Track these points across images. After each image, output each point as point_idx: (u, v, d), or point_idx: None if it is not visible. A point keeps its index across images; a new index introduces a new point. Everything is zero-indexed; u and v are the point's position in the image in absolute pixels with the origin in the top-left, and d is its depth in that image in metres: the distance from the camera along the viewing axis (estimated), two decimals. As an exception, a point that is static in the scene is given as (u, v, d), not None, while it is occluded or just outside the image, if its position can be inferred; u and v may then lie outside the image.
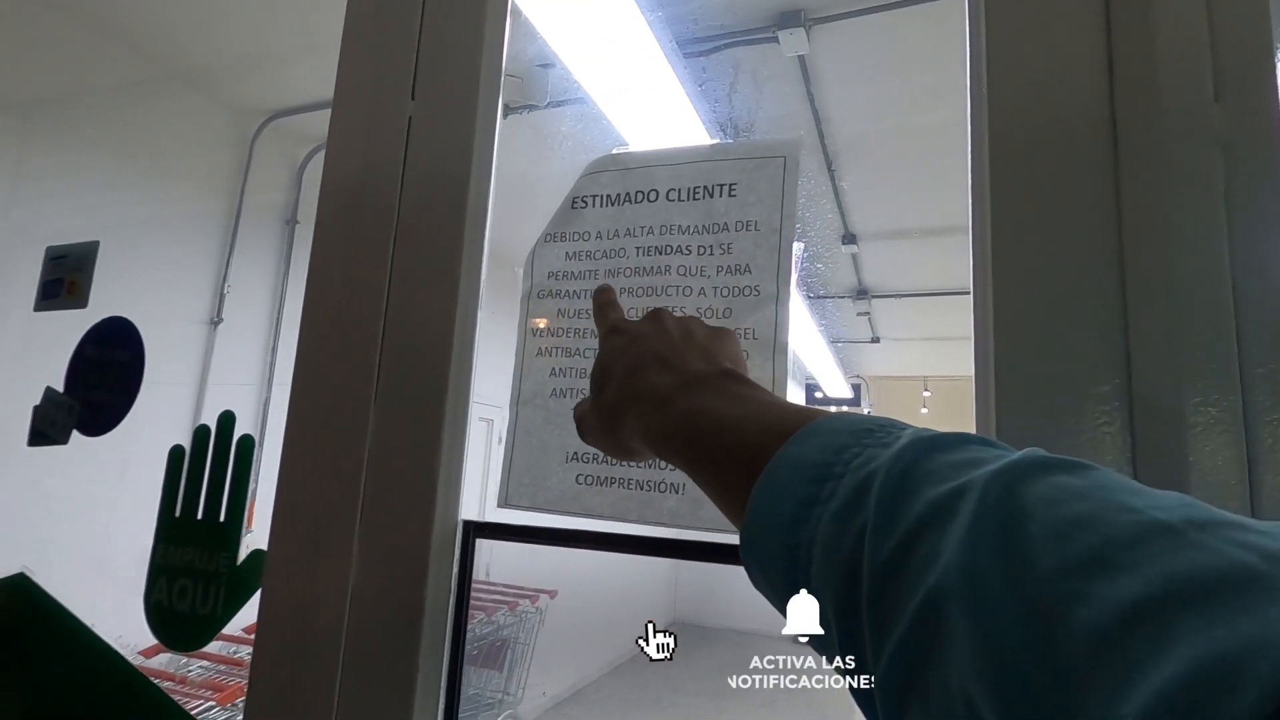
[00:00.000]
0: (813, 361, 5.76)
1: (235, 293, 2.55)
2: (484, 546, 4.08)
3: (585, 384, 0.57)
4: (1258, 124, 0.39)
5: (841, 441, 0.27)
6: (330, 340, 0.64)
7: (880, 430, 0.27)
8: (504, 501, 0.58)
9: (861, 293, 4.33)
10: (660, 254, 0.56)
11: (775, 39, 1.98)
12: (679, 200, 0.56)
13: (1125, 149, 0.41)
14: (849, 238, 3.43)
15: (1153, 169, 0.40)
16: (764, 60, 2.11)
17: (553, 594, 3.50)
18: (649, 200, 0.57)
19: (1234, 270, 0.38)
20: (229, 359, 2.51)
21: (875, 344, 5.53)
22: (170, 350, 2.33)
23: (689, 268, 0.55)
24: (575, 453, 0.56)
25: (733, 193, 0.55)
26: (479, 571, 3.90)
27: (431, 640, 0.56)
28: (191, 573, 0.68)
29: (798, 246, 0.53)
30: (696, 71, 2.10)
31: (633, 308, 0.56)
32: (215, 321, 2.51)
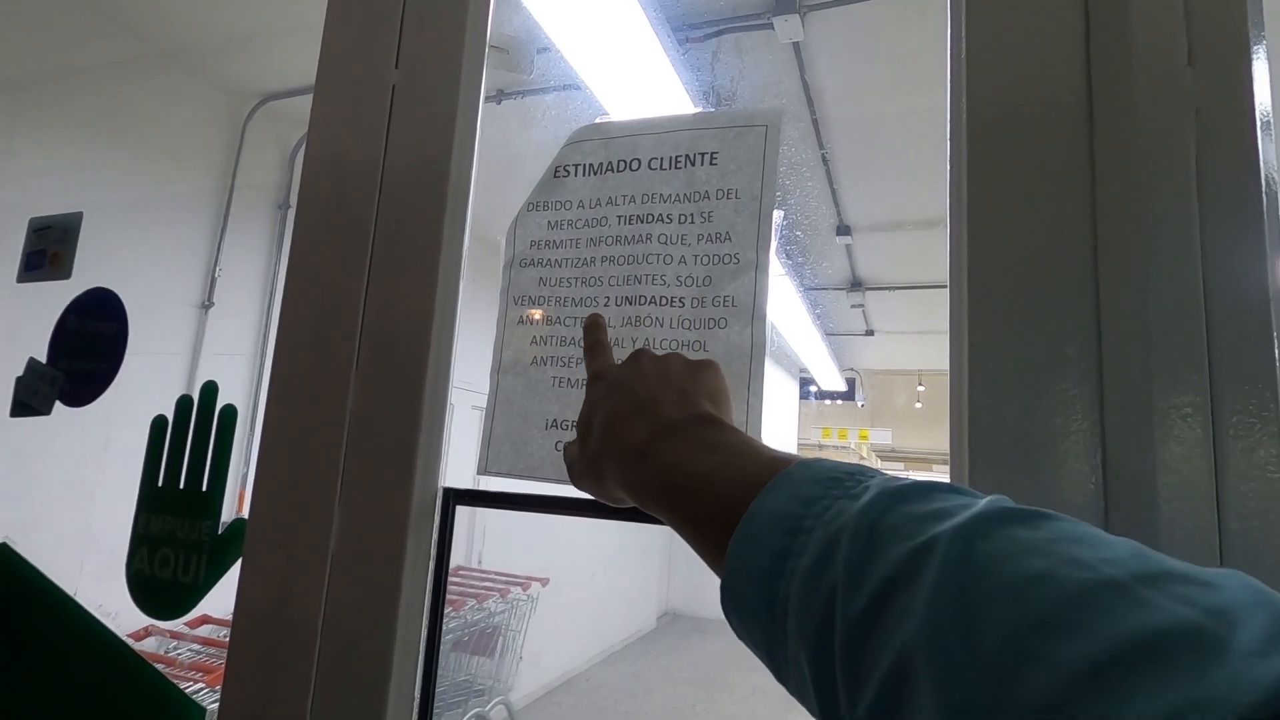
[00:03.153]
0: (806, 354, 5.78)
1: (227, 276, 2.54)
2: (476, 534, 4.08)
3: (565, 352, 0.57)
4: (1230, 88, 0.39)
5: (811, 492, 0.28)
6: (312, 308, 0.63)
7: (849, 479, 0.28)
8: (484, 469, 0.58)
9: (855, 285, 4.33)
10: (642, 222, 0.56)
11: (770, 25, 1.97)
12: (661, 169, 0.56)
13: (1100, 115, 0.41)
14: (843, 229, 3.43)
15: (1126, 135, 0.40)
16: (759, 47, 2.10)
17: (544, 582, 3.51)
18: (631, 169, 0.57)
19: (1204, 240, 0.38)
20: (221, 343, 2.50)
21: (869, 337, 5.55)
22: (162, 333, 2.32)
23: (670, 236, 0.55)
24: (554, 419, 0.56)
25: (714, 161, 0.55)
26: (471, 559, 3.90)
27: (410, 606, 0.56)
28: (173, 542, 0.68)
29: (777, 214, 0.53)
30: (692, 57, 2.09)
31: (614, 276, 0.57)
32: (206, 305, 2.50)
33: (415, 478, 0.57)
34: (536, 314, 0.59)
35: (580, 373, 0.56)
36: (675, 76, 1.90)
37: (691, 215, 0.55)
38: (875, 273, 4.26)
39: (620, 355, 0.55)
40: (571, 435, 0.55)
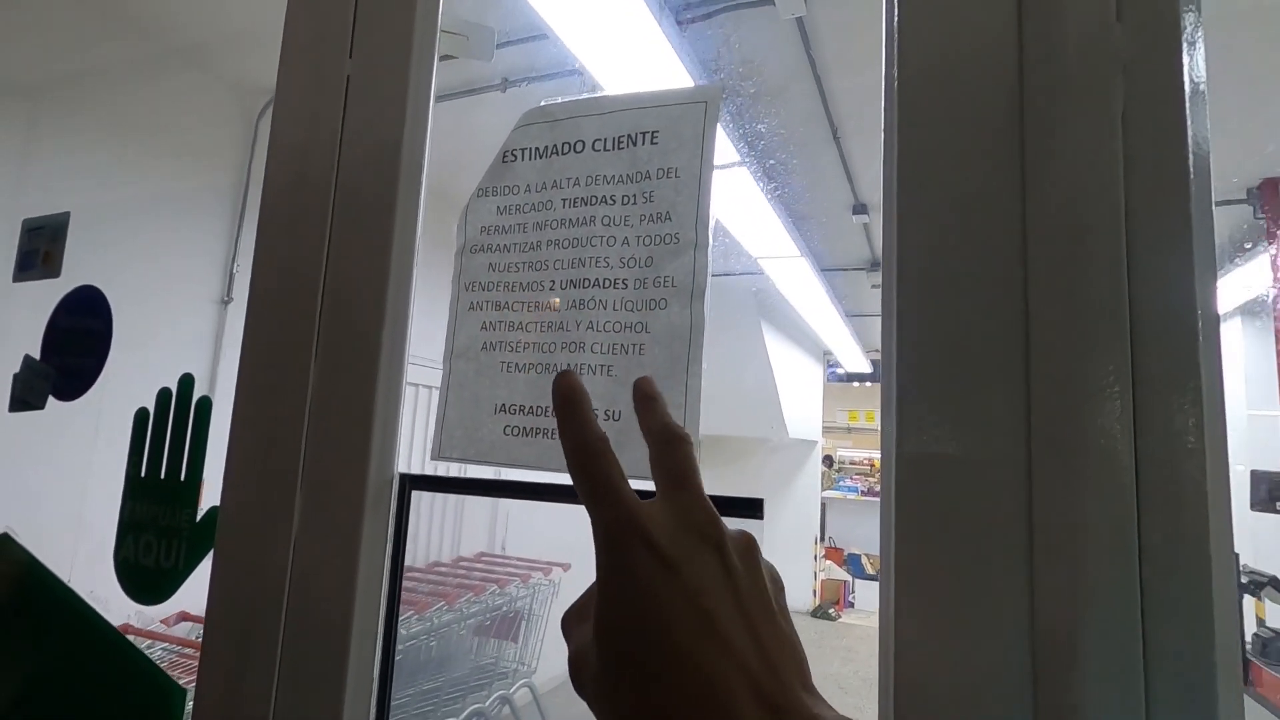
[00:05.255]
0: (829, 336, 5.71)
1: (246, 271, 2.59)
2: (499, 521, 4.11)
3: (513, 337, 0.57)
4: (1158, 43, 0.37)
5: None
6: (274, 300, 0.65)
7: None
8: (437, 454, 0.59)
9: (875, 264, 4.26)
10: (586, 204, 0.56)
11: (771, 1, 1.94)
12: (604, 150, 0.56)
13: (1029, 73, 0.40)
14: (859, 207, 3.37)
15: (1054, 91, 0.39)
16: (761, 24, 2.07)
17: (566, 567, 3.54)
18: (576, 151, 0.57)
19: (1128, 204, 0.37)
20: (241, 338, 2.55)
21: (893, 317, 5.45)
22: (182, 329, 2.38)
23: (613, 218, 0.55)
24: (503, 404, 0.56)
25: (655, 140, 0.54)
26: (494, 546, 3.96)
27: (367, 588, 0.57)
28: (156, 529, 0.71)
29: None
30: (693, 37, 2.06)
31: (559, 260, 0.56)
32: (226, 300, 2.56)
33: (370, 464, 0.58)
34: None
35: (528, 357, 0.56)
36: (675, 57, 1.88)
37: (634, 195, 0.54)
38: (895, 251, 4.17)
39: (566, 339, 0.55)
40: (519, 419, 0.56)
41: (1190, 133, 0.36)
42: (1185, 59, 0.37)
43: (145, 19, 2.16)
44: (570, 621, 0.30)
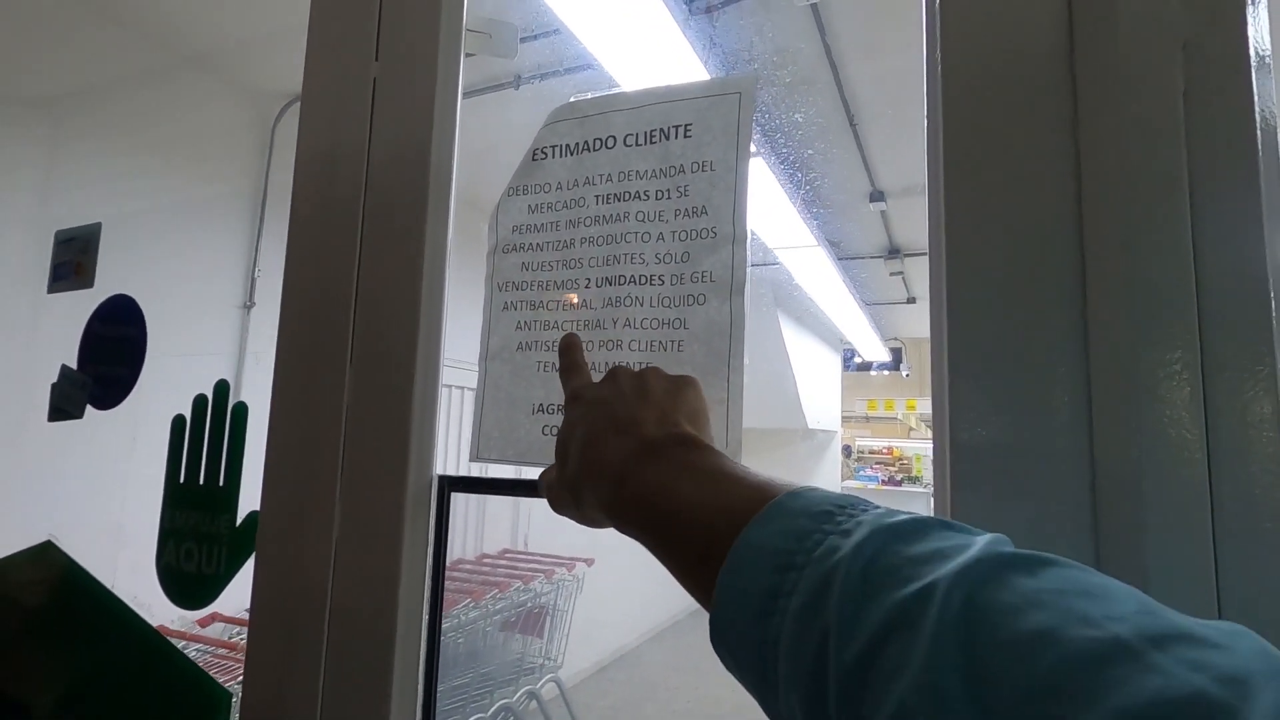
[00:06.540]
0: (847, 325, 5.67)
1: (267, 276, 2.61)
2: (521, 517, 4.12)
3: (548, 336, 0.57)
4: (1221, 19, 0.36)
5: (801, 525, 0.27)
6: (308, 304, 0.65)
7: (841, 513, 0.27)
8: (475, 456, 0.58)
9: (893, 252, 4.21)
10: (619, 201, 0.55)
11: (785, -12, 1.91)
12: (636, 145, 0.55)
13: (1081, 51, 0.39)
14: (876, 195, 3.33)
15: (1108, 70, 0.38)
16: (775, 12, 2.04)
17: (589, 562, 3.55)
18: (607, 147, 0.56)
19: (1192, 184, 0.35)
20: (264, 342, 2.58)
21: (911, 304, 5.40)
22: (205, 335, 2.41)
23: (647, 213, 0.54)
24: (541, 404, 0.56)
25: (688, 133, 0.53)
26: (517, 542, 3.98)
27: (410, 590, 0.57)
28: (196, 535, 0.71)
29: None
30: (706, 27, 2.05)
31: (593, 257, 0.56)
32: (248, 305, 2.58)
33: (410, 467, 0.58)
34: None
35: (565, 356, 0.56)
36: (689, 48, 1.87)
37: (668, 190, 0.53)
38: (913, 238, 4.13)
39: (603, 338, 0.55)
40: (557, 419, 0.55)
41: (1257, 107, 0.35)
42: (1250, 30, 0.35)
43: (156, 27, 2.17)
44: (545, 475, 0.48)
